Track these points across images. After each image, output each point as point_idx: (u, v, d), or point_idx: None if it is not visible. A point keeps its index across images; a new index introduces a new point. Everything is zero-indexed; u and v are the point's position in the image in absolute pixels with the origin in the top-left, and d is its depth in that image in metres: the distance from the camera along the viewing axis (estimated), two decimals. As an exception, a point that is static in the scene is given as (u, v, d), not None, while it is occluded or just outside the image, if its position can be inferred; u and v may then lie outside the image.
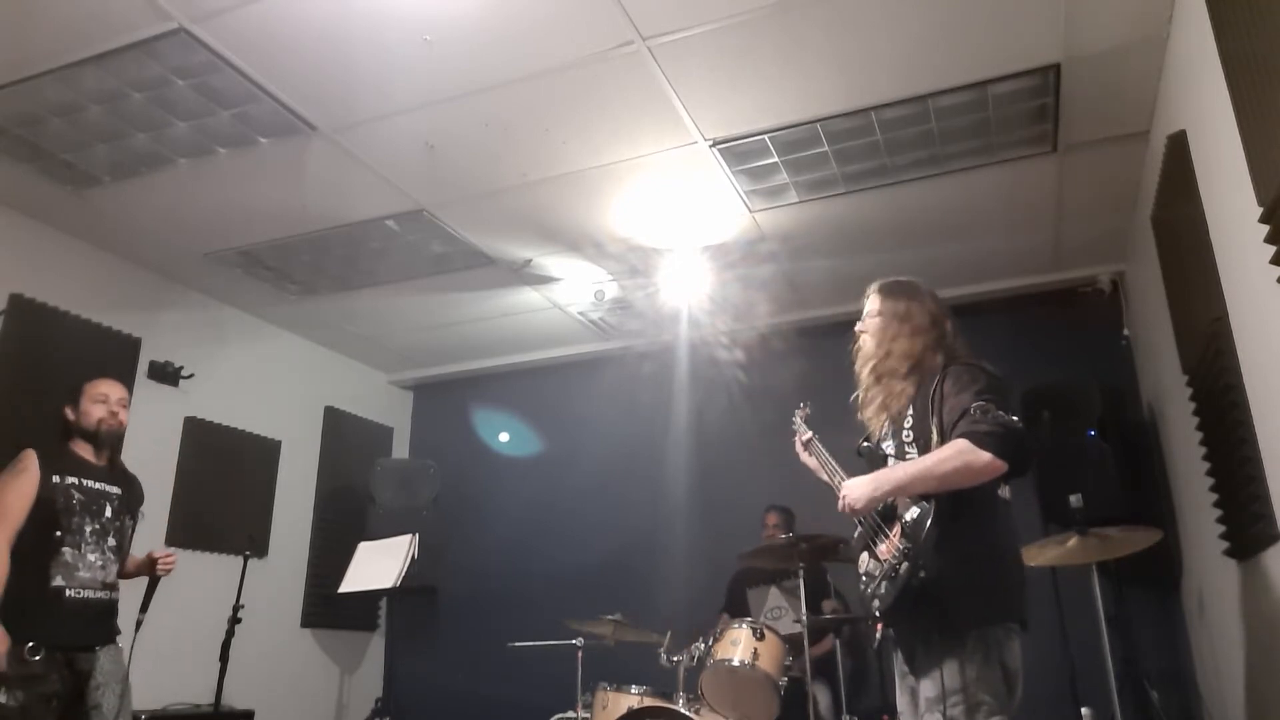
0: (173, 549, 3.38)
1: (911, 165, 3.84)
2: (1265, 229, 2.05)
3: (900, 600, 2.22)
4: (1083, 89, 3.32)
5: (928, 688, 2.19)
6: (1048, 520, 4.01)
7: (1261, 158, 2.08)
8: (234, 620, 3.46)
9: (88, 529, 3.12)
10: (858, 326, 2.59)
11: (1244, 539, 2.88)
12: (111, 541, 3.20)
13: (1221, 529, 3.10)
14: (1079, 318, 4.82)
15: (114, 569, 3.22)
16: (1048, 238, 4.53)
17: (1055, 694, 3.90)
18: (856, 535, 2.46)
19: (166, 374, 4.72)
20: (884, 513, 2.36)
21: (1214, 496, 3.13)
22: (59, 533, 3.04)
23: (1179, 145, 2.96)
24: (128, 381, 4.35)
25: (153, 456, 4.46)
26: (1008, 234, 4.47)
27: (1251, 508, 2.65)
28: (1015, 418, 2.17)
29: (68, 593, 3.03)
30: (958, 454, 2.13)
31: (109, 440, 3.26)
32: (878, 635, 3.35)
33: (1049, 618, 3.93)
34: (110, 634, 3.19)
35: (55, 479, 3.08)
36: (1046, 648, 3.90)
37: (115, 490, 3.26)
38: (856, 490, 2.33)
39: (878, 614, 2.32)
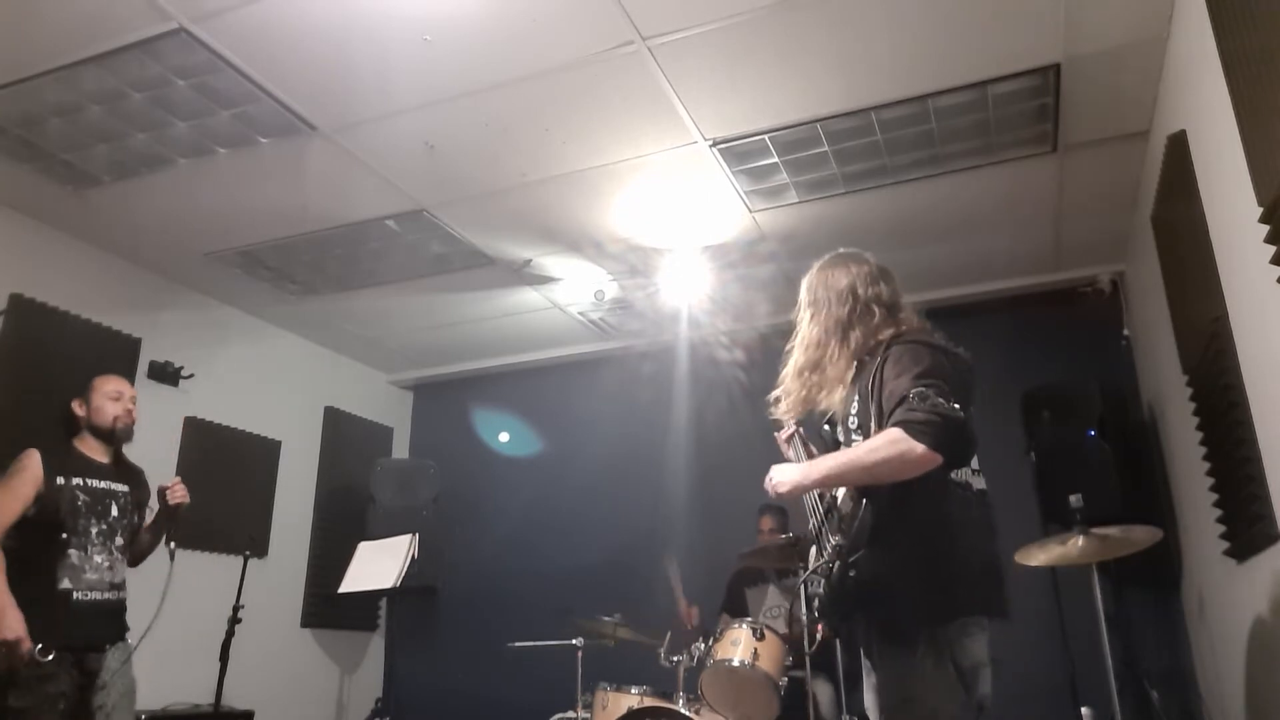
0: (177, 477, 3.32)
1: (911, 165, 3.84)
2: (1265, 229, 2.05)
3: (838, 601, 2.10)
4: (1083, 89, 3.32)
5: (882, 696, 2.11)
6: (1048, 520, 4.01)
7: (1261, 158, 2.08)
8: (234, 620, 3.46)
9: (94, 530, 3.12)
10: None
11: (1244, 539, 2.87)
12: (119, 541, 3.21)
13: (1221, 529, 3.10)
14: (1079, 318, 4.82)
15: (122, 569, 3.23)
16: (1048, 238, 4.53)
17: (1055, 694, 3.90)
18: (809, 529, 2.30)
19: (166, 374, 4.72)
20: (827, 507, 2.22)
21: (1214, 496, 3.13)
22: (65, 535, 3.04)
23: (1179, 145, 2.96)
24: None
25: (153, 456, 4.40)
26: (1008, 234, 4.47)
27: (1251, 508, 2.65)
28: (957, 405, 1.94)
29: (75, 595, 3.04)
30: (890, 444, 1.93)
31: (124, 437, 3.27)
32: (816, 637, 3.03)
33: (1049, 618, 3.93)
34: (118, 633, 3.20)
35: (60, 480, 3.07)
36: (1046, 648, 3.90)
37: (122, 488, 3.26)
38: (783, 475, 2.17)
39: (817, 615, 2.18)
